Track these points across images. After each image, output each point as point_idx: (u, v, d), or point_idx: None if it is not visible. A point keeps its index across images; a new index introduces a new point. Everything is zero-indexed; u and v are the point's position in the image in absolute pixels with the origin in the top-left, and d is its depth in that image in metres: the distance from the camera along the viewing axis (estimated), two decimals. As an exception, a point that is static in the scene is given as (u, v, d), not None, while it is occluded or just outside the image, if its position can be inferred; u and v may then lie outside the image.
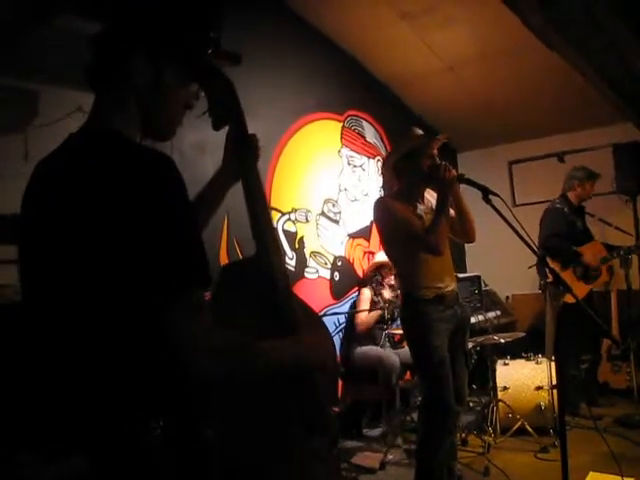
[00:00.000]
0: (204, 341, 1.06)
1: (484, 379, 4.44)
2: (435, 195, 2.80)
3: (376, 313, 4.43)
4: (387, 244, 2.97)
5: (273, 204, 4.22)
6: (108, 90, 1.20)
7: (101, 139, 1.13)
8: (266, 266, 1.45)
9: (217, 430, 1.18)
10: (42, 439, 1.12)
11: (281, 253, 1.53)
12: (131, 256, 1.03)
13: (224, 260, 3.68)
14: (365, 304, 4.52)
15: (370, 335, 4.49)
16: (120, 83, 1.18)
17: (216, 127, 1.57)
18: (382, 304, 4.49)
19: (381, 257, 4.59)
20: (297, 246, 4.38)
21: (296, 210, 4.41)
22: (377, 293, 4.58)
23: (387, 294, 4.56)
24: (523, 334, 4.45)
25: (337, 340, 4.58)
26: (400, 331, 4.27)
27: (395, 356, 4.21)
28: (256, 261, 1.48)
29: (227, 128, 1.60)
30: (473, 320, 4.27)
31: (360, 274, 4.98)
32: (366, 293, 4.58)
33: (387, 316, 4.50)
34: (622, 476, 2.60)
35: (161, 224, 1.04)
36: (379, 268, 4.67)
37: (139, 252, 1.03)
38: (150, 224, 1.03)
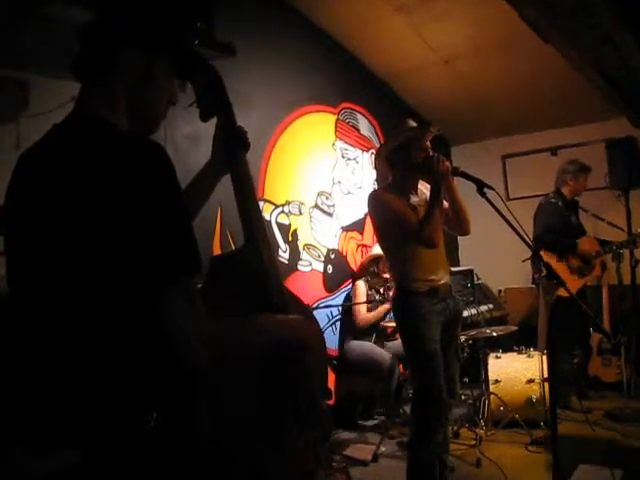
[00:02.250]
0: (198, 329, 1.05)
1: (476, 372, 4.46)
2: (429, 187, 2.80)
3: (377, 313, 4.43)
4: (381, 236, 2.96)
5: (266, 196, 4.21)
6: (96, 80, 1.19)
7: (89, 127, 1.12)
8: (255, 257, 1.45)
9: (210, 421, 1.18)
10: (36, 433, 1.11)
11: (270, 244, 1.53)
12: (121, 245, 1.02)
13: (217, 252, 3.67)
14: (361, 298, 4.51)
15: (364, 327, 4.50)
16: (109, 74, 1.18)
17: (204, 118, 1.57)
18: (379, 299, 4.48)
19: (378, 249, 4.60)
20: (290, 239, 4.37)
21: (289, 203, 4.40)
22: (372, 287, 4.58)
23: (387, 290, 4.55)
24: (515, 327, 4.47)
25: (330, 333, 4.58)
26: (392, 324, 4.28)
27: (386, 353, 4.22)
28: (245, 252, 1.47)
29: (216, 119, 1.59)
30: (465, 313, 4.29)
31: (353, 267, 4.98)
32: (361, 286, 4.58)
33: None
34: (611, 468, 2.64)
35: (151, 211, 1.03)
36: (376, 260, 4.67)
37: (129, 240, 1.02)
38: (140, 212, 1.02)
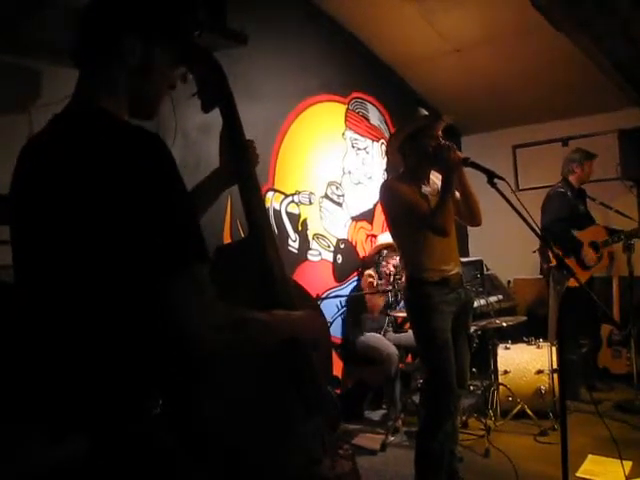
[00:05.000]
0: (204, 317, 1.06)
1: (485, 363, 4.46)
2: (440, 177, 2.79)
3: (381, 297, 4.45)
4: (393, 226, 2.96)
5: (276, 186, 4.21)
6: (96, 68, 1.18)
7: (89, 117, 1.13)
8: (259, 247, 1.46)
9: (216, 408, 1.19)
10: (50, 420, 1.13)
11: (273, 234, 1.54)
12: (125, 234, 1.03)
13: (227, 242, 3.68)
14: (369, 287, 4.52)
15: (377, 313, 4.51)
16: (110, 62, 1.17)
17: (205, 109, 1.57)
18: (385, 284, 4.49)
19: (384, 239, 4.59)
20: (300, 228, 4.37)
21: (299, 192, 4.40)
22: (380, 277, 4.58)
23: (389, 272, 4.55)
24: (525, 318, 4.47)
25: (339, 322, 4.60)
26: (403, 314, 4.29)
27: (393, 347, 4.22)
28: (249, 243, 1.49)
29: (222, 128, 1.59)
30: (475, 304, 4.28)
31: (363, 256, 4.98)
32: (371, 276, 4.58)
33: (391, 299, 4.51)
34: (621, 459, 2.63)
35: (153, 201, 1.04)
36: (382, 250, 4.66)
37: (133, 230, 1.03)
38: (142, 201, 1.03)
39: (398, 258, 4.37)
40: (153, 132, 1.09)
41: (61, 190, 1.06)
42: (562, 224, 4.44)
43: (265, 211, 1.57)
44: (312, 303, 1.76)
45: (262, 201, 1.56)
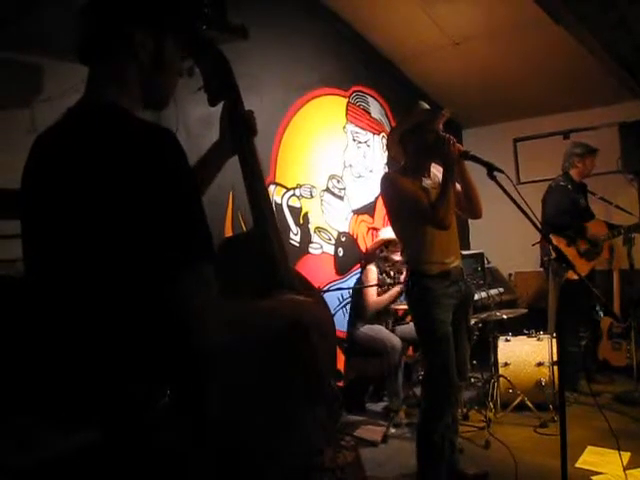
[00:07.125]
0: (210, 313, 1.08)
1: (485, 355, 4.48)
2: (441, 170, 2.80)
3: (389, 296, 4.45)
4: (394, 219, 2.97)
5: (278, 180, 4.22)
6: (107, 63, 1.19)
7: (101, 113, 1.13)
8: (264, 239, 1.47)
9: (220, 398, 1.21)
10: (57, 411, 1.14)
11: (277, 226, 1.55)
12: (135, 230, 1.04)
13: (229, 235, 3.69)
14: (372, 282, 4.52)
15: (373, 311, 4.52)
16: (121, 58, 1.18)
17: (212, 103, 1.58)
18: (390, 282, 4.49)
19: (386, 234, 4.59)
20: (301, 222, 4.38)
21: (301, 186, 4.41)
22: (382, 271, 4.59)
23: (399, 274, 4.54)
24: (525, 310, 4.48)
25: (341, 315, 4.61)
26: (404, 306, 4.30)
27: (397, 338, 4.25)
28: (254, 234, 1.50)
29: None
30: (476, 297, 4.29)
31: (364, 250, 4.99)
32: (372, 270, 4.57)
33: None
34: (619, 451, 2.65)
35: (163, 197, 1.04)
36: (385, 244, 4.66)
37: (143, 226, 1.04)
38: (152, 197, 1.04)
39: (399, 253, 4.38)
40: (166, 128, 1.10)
41: (73, 185, 1.07)
42: (564, 217, 4.44)
43: (269, 199, 1.58)
44: (315, 293, 1.78)
45: (265, 189, 1.57)
